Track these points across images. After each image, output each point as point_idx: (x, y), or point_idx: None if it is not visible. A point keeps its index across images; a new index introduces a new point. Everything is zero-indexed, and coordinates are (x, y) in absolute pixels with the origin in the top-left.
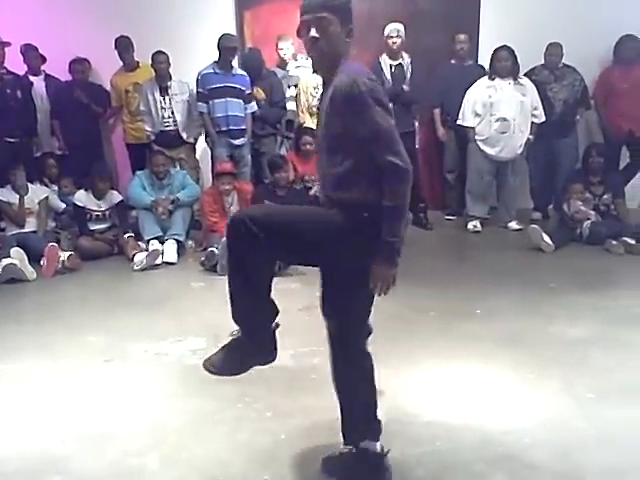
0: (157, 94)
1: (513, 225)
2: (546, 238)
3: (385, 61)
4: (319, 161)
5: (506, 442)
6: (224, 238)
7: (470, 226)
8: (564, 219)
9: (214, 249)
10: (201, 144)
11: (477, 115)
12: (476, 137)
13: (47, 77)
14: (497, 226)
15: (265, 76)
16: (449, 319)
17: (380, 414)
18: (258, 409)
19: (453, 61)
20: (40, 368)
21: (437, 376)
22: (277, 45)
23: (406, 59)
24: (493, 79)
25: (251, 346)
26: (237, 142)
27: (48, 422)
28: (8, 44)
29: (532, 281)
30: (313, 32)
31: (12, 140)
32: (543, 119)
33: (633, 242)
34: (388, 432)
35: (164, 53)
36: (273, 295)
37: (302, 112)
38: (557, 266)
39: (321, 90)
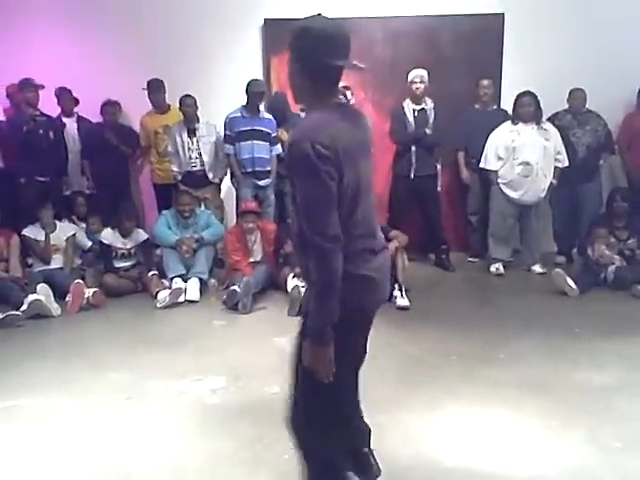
0: (185, 136)
1: (537, 269)
2: (570, 282)
3: (408, 106)
4: None
5: None
6: (246, 277)
7: (493, 269)
8: (588, 263)
9: (236, 288)
10: (226, 184)
11: (500, 159)
12: (499, 180)
13: (79, 119)
14: (520, 269)
15: (290, 119)
16: (472, 364)
17: (401, 458)
18: (276, 451)
19: (477, 106)
20: (62, 404)
21: (460, 422)
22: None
23: (429, 104)
24: (516, 124)
25: None
26: (262, 183)
27: (69, 459)
28: (42, 87)
29: (556, 326)
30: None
31: (42, 179)
32: (566, 164)
33: None
34: (410, 478)
35: (192, 96)
36: (295, 334)
37: None
38: (581, 311)
39: None
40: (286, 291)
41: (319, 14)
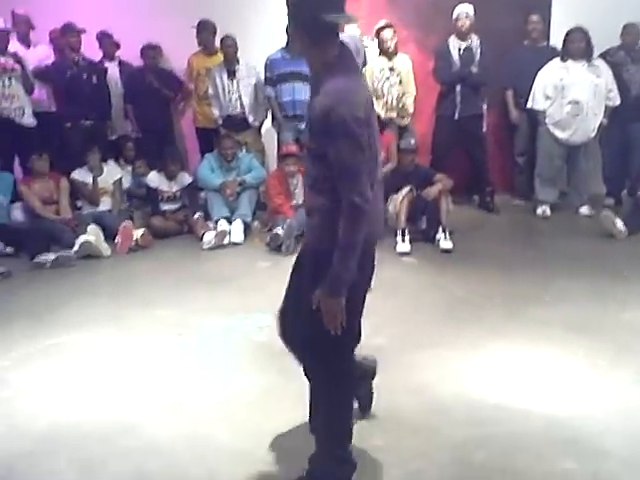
0: (225, 78)
1: (584, 211)
2: (619, 224)
3: (453, 43)
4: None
5: (575, 427)
6: (288, 219)
7: (539, 211)
8: (638, 205)
9: (279, 230)
10: (267, 128)
11: (548, 98)
12: (547, 120)
13: (121, 63)
14: (567, 212)
15: None
16: (516, 304)
17: (443, 394)
18: None
19: (526, 42)
20: (112, 340)
21: (503, 360)
22: (342, 28)
23: (475, 41)
24: (565, 61)
25: None
26: (303, 126)
27: (121, 390)
28: (83, 31)
29: (604, 268)
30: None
31: (87, 123)
32: (618, 102)
33: None
34: (452, 415)
35: (231, 37)
36: None
37: None
38: (630, 253)
39: (387, 73)
40: None
41: None
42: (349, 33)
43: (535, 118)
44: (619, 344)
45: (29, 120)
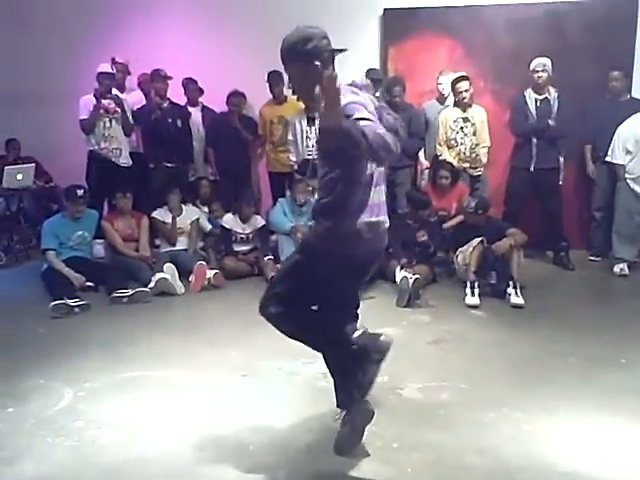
0: (304, 124)
1: None
2: None
3: (530, 95)
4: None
5: None
6: None
7: (616, 269)
8: None
9: None
10: None
11: (628, 152)
12: (626, 175)
13: (204, 108)
14: None
15: (404, 108)
16: (591, 367)
17: (511, 457)
18: (384, 438)
19: (608, 96)
20: (184, 377)
21: (574, 426)
22: (437, 79)
23: (552, 93)
24: None
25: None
26: None
27: (188, 428)
28: (170, 78)
29: None
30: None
31: (170, 165)
32: None
33: None
34: (521, 479)
35: None
36: (403, 325)
37: (440, 145)
38: None
39: (461, 124)
40: (394, 282)
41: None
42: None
43: (614, 172)
44: None
45: (125, 160)
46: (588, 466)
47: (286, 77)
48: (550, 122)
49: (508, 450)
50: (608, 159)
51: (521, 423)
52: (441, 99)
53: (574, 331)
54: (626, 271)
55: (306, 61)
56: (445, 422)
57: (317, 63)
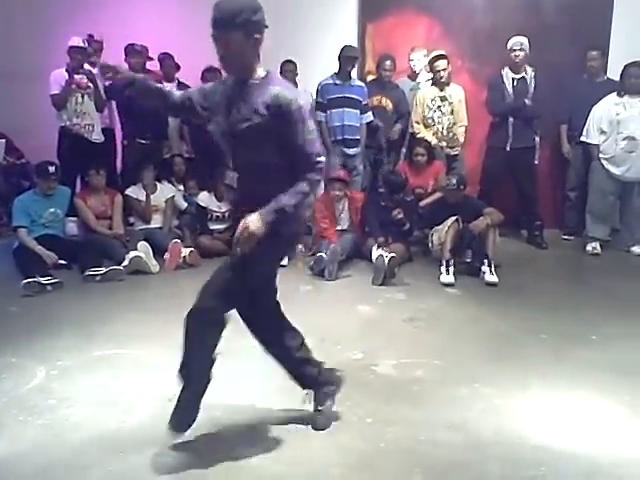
0: None
1: (636, 250)
2: None
3: (507, 74)
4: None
5: (616, 474)
6: (332, 244)
7: (589, 248)
8: None
9: (323, 254)
10: None
11: (603, 132)
12: (600, 155)
13: (180, 84)
14: (618, 250)
15: (392, 87)
16: (563, 344)
17: (482, 432)
18: (359, 414)
19: (585, 76)
20: (158, 355)
21: (546, 401)
22: (409, 56)
23: (529, 73)
24: (622, 96)
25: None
26: (351, 151)
27: (162, 406)
28: (146, 52)
29: None
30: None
31: (144, 142)
32: None
33: None
34: (490, 453)
35: (292, 62)
36: (378, 303)
37: (417, 123)
38: None
39: (438, 102)
40: (370, 260)
41: None
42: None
43: (589, 152)
44: None
45: (97, 137)
46: (559, 440)
47: (263, 52)
48: (526, 101)
49: (480, 425)
50: (583, 139)
51: (493, 398)
52: (413, 76)
53: (547, 308)
54: (598, 250)
55: (248, 32)
56: (418, 398)
57: (257, 36)
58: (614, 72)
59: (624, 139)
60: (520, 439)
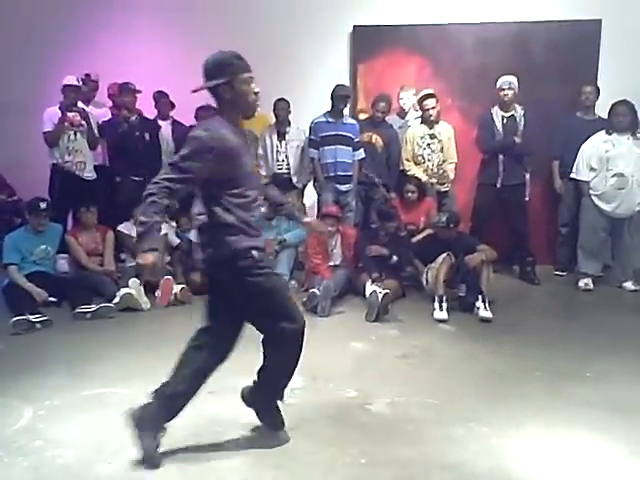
0: (275, 138)
1: (629, 286)
2: None
3: (497, 113)
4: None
5: None
6: (325, 280)
7: (581, 284)
8: None
9: (315, 290)
10: (308, 189)
11: (592, 169)
12: (591, 192)
13: (174, 122)
14: (611, 286)
15: (386, 127)
16: (556, 381)
17: (477, 472)
18: (352, 454)
19: (578, 113)
20: (148, 395)
21: (541, 440)
22: (398, 94)
23: (519, 111)
24: (610, 134)
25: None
26: (343, 188)
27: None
28: (139, 91)
29: None
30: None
31: (137, 179)
32: None
33: None
34: None
35: (286, 100)
36: (371, 340)
37: (407, 160)
38: None
39: (428, 140)
40: (364, 296)
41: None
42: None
43: (580, 189)
44: None
45: (89, 174)
46: (551, 479)
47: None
48: (516, 139)
49: (475, 465)
50: (573, 176)
51: (488, 438)
52: (402, 114)
53: (540, 345)
54: (591, 286)
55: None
56: (413, 438)
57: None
58: (602, 110)
59: (613, 176)
60: (515, 479)
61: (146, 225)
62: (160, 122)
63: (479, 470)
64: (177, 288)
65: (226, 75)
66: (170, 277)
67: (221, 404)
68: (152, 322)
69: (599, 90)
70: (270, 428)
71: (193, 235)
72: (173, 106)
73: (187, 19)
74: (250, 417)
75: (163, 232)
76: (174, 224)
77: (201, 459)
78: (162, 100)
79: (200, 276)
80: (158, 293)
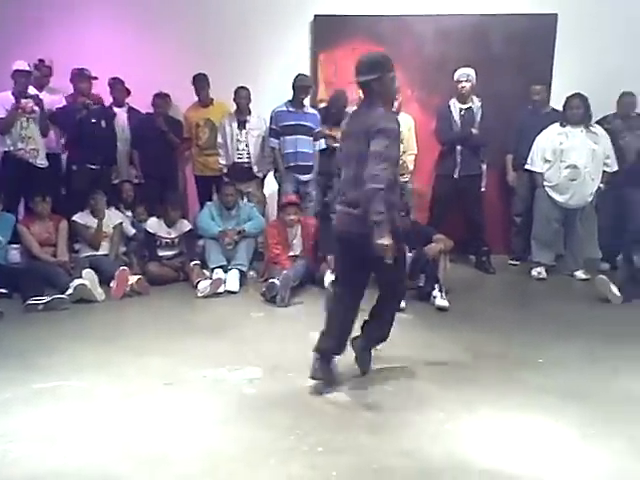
0: (235, 127)
1: (580, 274)
2: (614, 290)
3: (455, 105)
4: None
5: None
6: (285, 270)
7: (534, 273)
8: (634, 272)
9: (275, 280)
10: (268, 180)
11: (547, 161)
12: (545, 183)
13: (130, 109)
14: (563, 275)
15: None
16: (510, 367)
17: (433, 457)
18: (310, 443)
19: (530, 107)
20: (103, 387)
21: (494, 425)
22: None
23: (476, 103)
24: (564, 126)
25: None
26: (304, 178)
27: (106, 440)
28: (95, 78)
29: (598, 333)
30: None
31: (93, 167)
32: (615, 168)
33: None
34: (440, 477)
35: (246, 88)
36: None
37: None
38: (624, 319)
39: None
40: (323, 286)
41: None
42: None
43: (534, 180)
44: (610, 412)
45: (42, 162)
46: (506, 463)
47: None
48: (473, 131)
49: (430, 450)
50: (527, 167)
51: (444, 423)
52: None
53: (495, 333)
54: (544, 275)
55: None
56: (370, 424)
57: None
58: (557, 103)
59: (567, 167)
60: (468, 464)
61: (382, 215)
62: (116, 109)
63: (433, 455)
64: (133, 279)
65: (377, 72)
66: (126, 268)
67: (177, 396)
68: (107, 314)
69: (547, 84)
70: (364, 369)
71: (149, 225)
72: (129, 93)
73: (145, 6)
74: (207, 408)
75: (117, 221)
76: (130, 213)
77: (156, 452)
78: (117, 87)
79: (157, 266)
80: (113, 284)
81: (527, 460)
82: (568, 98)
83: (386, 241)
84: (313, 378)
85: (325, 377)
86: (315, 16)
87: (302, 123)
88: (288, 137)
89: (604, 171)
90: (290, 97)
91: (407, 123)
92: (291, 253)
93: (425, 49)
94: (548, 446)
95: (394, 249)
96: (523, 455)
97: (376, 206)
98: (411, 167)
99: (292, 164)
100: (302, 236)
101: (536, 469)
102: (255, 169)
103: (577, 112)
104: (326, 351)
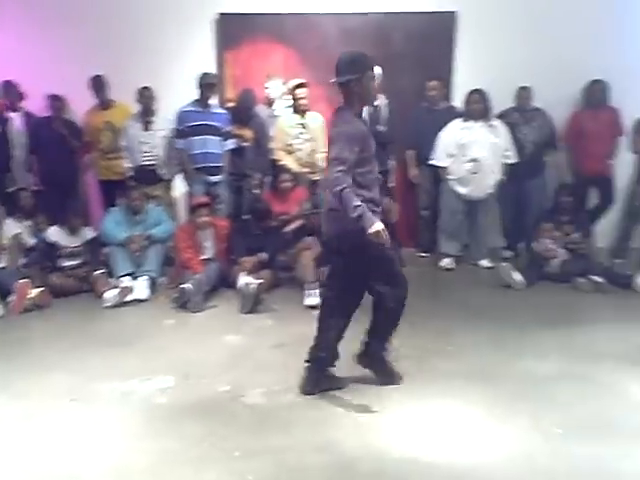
0: (139, 128)
1: (484, 263)
2: (516, 275)
3: None
4: None
5: (476, 478)
6: (197, 275)
7: (443, 263)
8: (534, 257)
9: (186, 286)
10: (177, 182)
11: (450, 155)
12: (449, 177)
13: (26, 113)
14: (469, 264)
15: (255, 117)
16: (421, 356)
17: (349, 450)
18: (225, 448)
19: (425, 104)
20: (3, 407)
21: (407, 412)
22: (265, 84)
23: (382, 100)
24: (466, 121)
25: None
26: (214, 179)
27: (9, 462)
28: None
29: (502, 318)
30: None
31: None
32: (514, 160)
33: (600, 280)
34: (357, 469)
35: (150, 88)
36: (246, 332)
37: (279, 150)
38: (526, 303)
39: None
40: (237, 289)
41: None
42: None
43: (438, 174)
44: (514, 393)
45: None
46: (421, 449)
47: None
48: (380, 128)
49: (346, 444)
50: (432, 162)
51: (358, 416)
52: (268, 103)
53: (405, 322)
54: (452, 265)
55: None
56: (286, 424)
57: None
58: (459, 99)
59: (469, 161)
60: (384, 452)
61: (360, 208)
62: (11, 114)
63: (350, 447)
64: (34, 292)
65: (357, 72)
66: (26, 280)
67: (84, 412)
68: (5, 329)
69: (448, 82)
70: (386, 381)
71: (50, 234)
72: (23, 97)
73: (40, 4)
74: (116, 422)
75: (15, 232)
76: (29, 223)
77: (63, 472)
78: (11, 90)
79: (60, 277)
80: (12, 298)
81: (440, 444)
82: (468, 93)
83: (377, 227)
84: (304, 393)
85: (316, 390)
86: (220, 14)
87: (209, 123)
88: (196, 137)
89: (504, 163)
90: (197, 97)
91: (316, 122)
92: (203, 256)
93: (329, 48)
94: (459, 428)
95: (386, 234)
96: (436, 440)
97: (348, 204)
98: (322, 165)
99: (201, 165)
100: (214, 238)
101: (449, 452)
102: (162, 171)
103: (477, 107)
104: (318, 362)
